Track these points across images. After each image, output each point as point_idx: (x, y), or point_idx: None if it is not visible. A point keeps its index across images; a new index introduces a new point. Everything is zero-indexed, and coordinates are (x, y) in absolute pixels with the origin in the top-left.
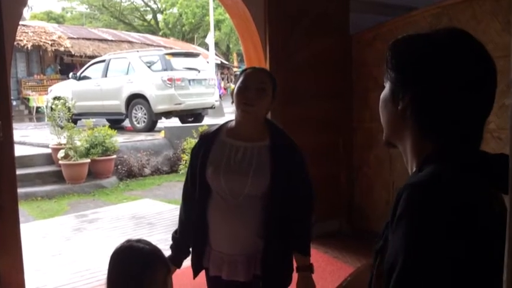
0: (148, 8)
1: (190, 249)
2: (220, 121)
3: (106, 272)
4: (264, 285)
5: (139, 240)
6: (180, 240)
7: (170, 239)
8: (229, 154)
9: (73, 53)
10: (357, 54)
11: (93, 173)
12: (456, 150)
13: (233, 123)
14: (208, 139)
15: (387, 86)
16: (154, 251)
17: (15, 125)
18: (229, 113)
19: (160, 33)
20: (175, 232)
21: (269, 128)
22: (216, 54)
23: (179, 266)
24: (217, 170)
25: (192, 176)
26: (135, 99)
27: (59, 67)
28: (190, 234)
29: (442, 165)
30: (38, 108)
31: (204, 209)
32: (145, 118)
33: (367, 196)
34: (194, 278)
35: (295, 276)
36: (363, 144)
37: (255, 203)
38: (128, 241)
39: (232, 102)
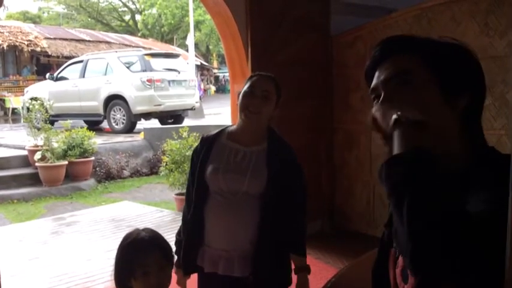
0: (126, 9)
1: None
2: (200, 122)
3: (84, 276)
4: (255, 281)
5: (143, 229)
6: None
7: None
8: (229, 156)
9: (50, 53)
10: (337, 55)
11: (70, 175)
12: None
13: (235, 127)
14: (209, 141)
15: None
16: (151, 238)
17: None
18: (209, 115)
19: (139, 34)
20: (179, 234)
21: (269, 134)
22: (195, 56)
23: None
24: (217, 169)
25: (192, 176)
26: (114, 100)
27: (36, 68)
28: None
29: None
30: (14, 109)
31: (201, 208)
32: (124, 119)
33: (348, 197)
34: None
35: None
36: (343, 145)
37: (252, 201)
38: (133, 230)
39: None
